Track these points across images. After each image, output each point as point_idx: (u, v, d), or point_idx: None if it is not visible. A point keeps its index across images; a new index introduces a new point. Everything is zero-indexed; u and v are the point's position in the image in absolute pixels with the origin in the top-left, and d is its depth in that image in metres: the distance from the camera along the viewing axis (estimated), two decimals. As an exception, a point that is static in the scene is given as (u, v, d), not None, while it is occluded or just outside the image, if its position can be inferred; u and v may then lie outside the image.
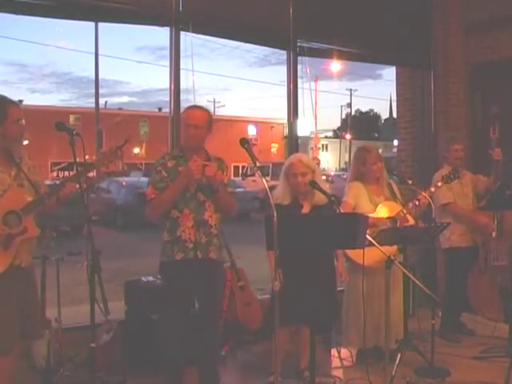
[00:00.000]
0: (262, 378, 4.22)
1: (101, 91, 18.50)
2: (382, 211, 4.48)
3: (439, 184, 4.64)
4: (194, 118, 3.53)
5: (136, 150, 39.88)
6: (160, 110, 42.39)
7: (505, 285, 4.95)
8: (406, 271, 3.89)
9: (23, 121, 3.20)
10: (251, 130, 42.61)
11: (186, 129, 3.52)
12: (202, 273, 3.52)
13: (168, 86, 4.92)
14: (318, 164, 31.18)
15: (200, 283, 3.52)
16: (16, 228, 3.07)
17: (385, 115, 70.03)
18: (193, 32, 4.97)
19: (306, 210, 4.08)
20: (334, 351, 4.82)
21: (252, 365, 4.45)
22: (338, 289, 4.99)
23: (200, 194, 3.50)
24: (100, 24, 5.89)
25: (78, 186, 3.10)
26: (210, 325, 3.64)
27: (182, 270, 3.48)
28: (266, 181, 3.01)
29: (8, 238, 3.05)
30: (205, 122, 3.54)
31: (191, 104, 3.85)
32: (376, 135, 67.74)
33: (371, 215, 4.40)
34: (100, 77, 18.08)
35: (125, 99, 75.56)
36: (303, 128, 30.16)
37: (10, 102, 3.18)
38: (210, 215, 3.53)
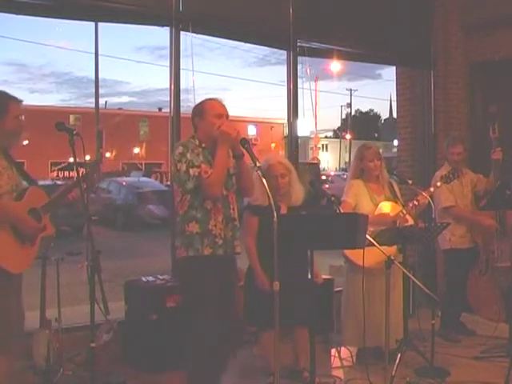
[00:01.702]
0: (262, 378, 4.22)
1: (100, 91, 18.54)
2: (382, 211, 4.47)
3: (438, 184, 4.64)
4: (225, 108, 3.48)
5: (136, 150, 39.92)
6: (160, 110, 42.43)
7: (508, 285, 4.92)
8: (406, 271, 3.89)
9: (23, 117, 3.20)
10: (251, 130, 42.64)
11: (219, 119, 3.39)
12: (227, 270, 3.47)
13: (168, 85, 4.93)
14: (318, 164, 31.15)
15: (224, 281, 3.43)
16: (39, 225, 3.14)
17: (385, 115, 70.16)
18: (193, 32, 4.97)
19: (283, 211, 4.07)
20: (334, 351, 4.83)
21: (251, 365, 4.45)
22: (337, 289, 5.01)
23: (223, 189, 3.42)
24: (100, 24, 5.90)
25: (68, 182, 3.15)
26: (231, 323, 3.57)
27: (209, 266, 3.37)
28: (266, 181, 3.01)
29: (35, 234, 3.13)
30: (228, 114, 3.52)
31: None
32: (376, 135, 67.74)
33: (376, 212, 4.40)
34: (100, 77, 18.11)
35: (125, 99, 75.66)
36: (303, 128, 30.19)
37: (11, 97, 3.18)
38: (233, 208, 3.48)
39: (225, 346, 3.57)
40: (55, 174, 33.24)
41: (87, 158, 3.33)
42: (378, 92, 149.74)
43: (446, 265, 5.36)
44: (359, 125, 61.65)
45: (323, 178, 24.79)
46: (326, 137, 58.88)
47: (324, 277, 4.52)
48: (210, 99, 3.55)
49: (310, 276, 3.60)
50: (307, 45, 5.80)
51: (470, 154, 5.80)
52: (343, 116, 57.29)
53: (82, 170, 3.26)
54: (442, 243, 5.19)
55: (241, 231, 3.59)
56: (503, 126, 5.17)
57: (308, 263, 3.74)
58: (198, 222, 3.36)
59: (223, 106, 3.50)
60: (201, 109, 3.48)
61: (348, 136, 51.36)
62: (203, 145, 3.43)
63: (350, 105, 54.86)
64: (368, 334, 4.35)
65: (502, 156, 5.07)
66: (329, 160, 53.26)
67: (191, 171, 3.29)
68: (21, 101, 3.22)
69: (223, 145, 3.30)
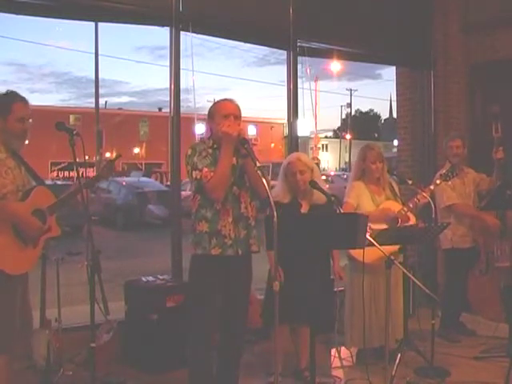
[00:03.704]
0: (262, 377, 4.22)
1: (100, 91, 18.53)
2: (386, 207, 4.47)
3: (438, 182, 4.64)
4: (234, 108, 3.46)
5: (136, 150, 39.90)
6: (160, 110, 42.41)
7: (508, 285, 4.92)
8: (406, 271, 3.89)
9: (30, 120, 3.17)
10: (251, 130, 42.62)
11: (226, 120, 3.37)
12: (239, 270, 3.44)
13: (168, 85, 4.93)
14: (318, 164, 31.16)
15: (234, 281, 3.43)
16: (44, 226, 3.12)
17: (385, 115, 70.16)
18: (193, 32, 4.98)
19: (304, 209, 4.08)
20: (334, 351, 4.82)
21: (252, 365, 4.45)
22: (339, 288, 5.00)
23: (235, 188, 3.41)
24: (100, 24, 5.91)
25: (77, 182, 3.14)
26: (240, 323, 3.57)
27: (216, 266, 3.36)
28: (267, 181, 3.01)
29: (37, 235, 3.11)
30: (241, 113, 3.50)
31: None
32: (376, 135, 67.72)
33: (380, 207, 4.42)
34: (99, 77, 18.10)
35: (124, 99, 75.69)
36: (303, 128, 30.15)
37: (17, 98, 3.15)
38: (246, 206, 3.44)
39: (231, 346, 3.58)
40: (55, 173, 33.25)
41: (87, 158, 3.34)
42: (378, 92, 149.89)
43: (446, 264, 5.36)
44: (359, 125, 61.62)
45: (323, 177, 24.77)
46: (326, 137, 58.84)
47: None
48: (222, 100, 3.55)
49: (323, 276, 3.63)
50: (307, 45, 5.80)
51: (469, 154, 5.80)
52: (343, 116, 57.34)
53: (81, 170, 3.26)
54: (444, 242, 5.19)
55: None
56: (503, 126, 5.18)
57: (327, 263, 3.75)
58: (208, 221, 3.38)
59: (233, 105, 3.48)
60: (211, 110, 3.50)
61: (348, 136, 51.35)
62: (215, 146, 3.43)
63: (350, 105, 54.88)
64: (373, 334, 4.36)
65: (504, 155, 5.08)
66: (329, 160, 53.22)
67: (194, 174, 3.34)
68: (27, 102, 3.18)
69: (226, 145, 3.31)
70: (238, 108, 3.49)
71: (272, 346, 4.21)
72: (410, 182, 4.68)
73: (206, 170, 3.32)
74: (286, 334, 4.12)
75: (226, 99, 3.55)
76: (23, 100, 3.17)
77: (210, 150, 3.41)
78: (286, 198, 4.09)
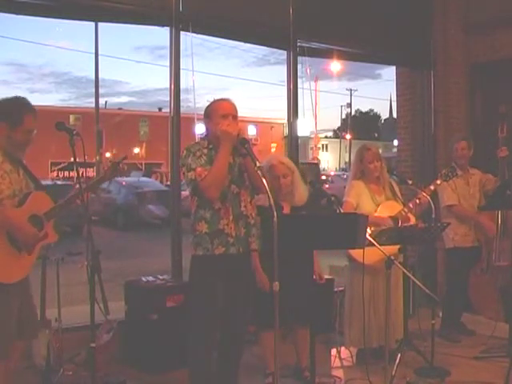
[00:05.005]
0: (261, 378, 4.22)
1: (100, 91, 18.49)
2: (384, 211, 4.47)
3: (438, 182, 4.64)
4: (232, 108, 3.45)
5: (136, 150, 39.92)
6: (160, 110, 42.42)
7: (505, 284, 4.93)
8: (406, 271, 3.89)
9: (35, 131, 3.16)
10: (251, 130, 42.63)
11: (225, 120, 3.36)
12: (241, 269, 3.44)
13: (168, 85, 4.93)
14: (318, 164, 31.14)
15: (236, 281, 3.43)
16: (40, 232, 3.08)
17: (385, 115, 70.12)
18: (193, 32, 4.98)
19: (286, 210, 4.05)
20: (334, 351, 4.82)
21: (251, 365, 4.44)
22: (340, 288, 5.01)
23: (234, 187, 3.41)
24: (100, 24, 5.92)
25: (78, 185, 3.12)
26: (240, 323, 3.58)
27: (217, 266, 3.36)
28: (267, 181, 3.01)
29: (33, 243, 3.07)
30: (237, 113, 3.49)
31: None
32: (376, 135, 67.73)
33: (375, 214, 4.40)
34: (99, 77, 18.06)
35: (124, 99, 75.75)
36: (303, 128, 30.17)
37: (29, 110, 3.13)
38: (245, 205, 3.45)
39: (231, 346, 3.59)
40: (55, 173, 33.25)
41: (87, 157, 3.34)
42: (378, 92, 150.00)
43: (448, 263, 5.36)
44: (359, 125, 61.61)
45: (323, 177, 24.79)
46: (326, 137, 58.86)
47: (325, 277, 4.52)
48: (219, 100, 3.54)
49: (306, 276, 3.60)
50: (307, 45, 5.80)
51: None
52: (343, 116, 57.36)
53: (81, 170, 3.26)
54: (447, 242, 5.19)
55: None
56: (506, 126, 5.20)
57: (310, 263, 3.74)
58: (207, 222, 3.38)
59: (231, 105, 3.48)
60: (209, 110, 3.49)
61: (348, 136, 51.37)
62: (210, 146, 3.42)
63: (350, 105, 54.93)
64: (373, 334, 4.36)
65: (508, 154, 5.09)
66: (329, 160, 53.24)
67: (189, 175, 3.33)
68: (36, 113, 3.15)
69: (225, 144, 3.30)
70: (235, 108, 3.49)
71: (260, 350, 4.21)
72: (410, 182, 4.68)
73: (199, 169, 3.31)
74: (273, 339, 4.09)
75: (223, 99, 3.54)
76: (33, 111, 3.15)
77: (205, 150, 3.41)
78: (268, 202, 4.05)
